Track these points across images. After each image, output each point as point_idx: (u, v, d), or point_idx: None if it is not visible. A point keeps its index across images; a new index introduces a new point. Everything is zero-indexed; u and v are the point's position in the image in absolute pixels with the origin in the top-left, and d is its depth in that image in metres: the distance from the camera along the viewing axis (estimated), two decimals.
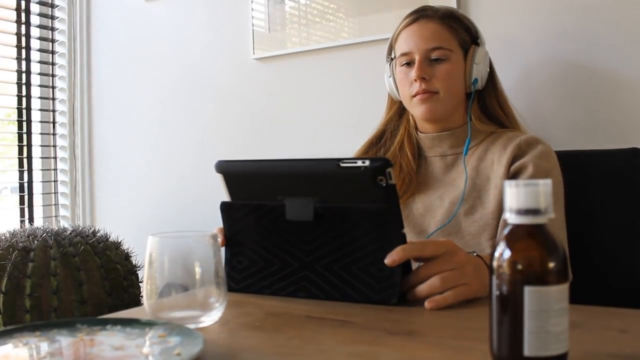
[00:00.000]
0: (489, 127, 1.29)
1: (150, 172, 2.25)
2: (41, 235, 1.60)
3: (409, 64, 1.27)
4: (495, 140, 1.26)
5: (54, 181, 2.42)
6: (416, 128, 1.34)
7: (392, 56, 1.34)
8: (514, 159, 1.19)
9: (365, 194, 0.81)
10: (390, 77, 1.34)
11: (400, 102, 1.35)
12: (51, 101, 2.40)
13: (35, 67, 2.35)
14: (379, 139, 1.38)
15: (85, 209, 2.41)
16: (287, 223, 0.87)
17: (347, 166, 0.80)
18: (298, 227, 0.87)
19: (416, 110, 1.28)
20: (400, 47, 1.29)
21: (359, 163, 0.79)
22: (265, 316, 0.80)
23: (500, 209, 1.17)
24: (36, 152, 2.36)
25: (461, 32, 1.28)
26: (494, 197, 1.18)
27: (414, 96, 1.26)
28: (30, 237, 1.59)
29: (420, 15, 1.28)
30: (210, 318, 0.74)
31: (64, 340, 0.67)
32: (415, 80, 1.24)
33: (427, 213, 1.24)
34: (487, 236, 1.17)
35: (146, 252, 0.74)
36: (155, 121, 2.23)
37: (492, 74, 1.32)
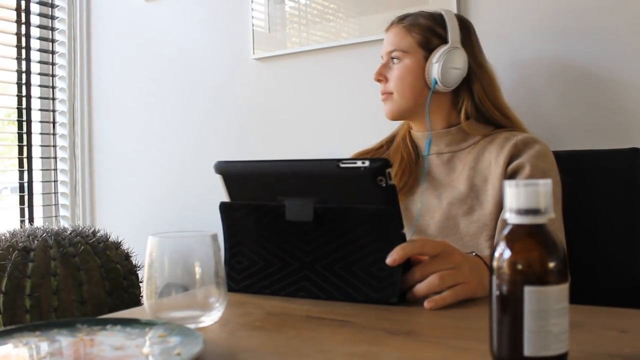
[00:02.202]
0: (484, 128, 1.28)
1: (150, 172, 2.25)
2: (41, 235, 1.60)
3: None
4: (492, 141, 1.25)
5: (54, 181, 2.42)
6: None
7: None
8: (511, 158, 1.19)
9: (365, 194, 0.81)
10: None
11: None
12: (51, 101, 2.41)
13: (35, 67, 2.35)
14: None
15: (85, 209, 2.41)
16: (287, 223, 0.87)
17: (347, 167, 0.80)
18: (298, 228, 0.87)
19: None
20: None
21: (359, 163, 0.79)
22: (265, 316, 0.80)
23: (498, 209, 1.17)
24: (36, 152, 2.36)
25: (424, 33, 1.27)
26: (492, 198, 1.18)
27: None
28: (30, 237, 1.59)
29: (392, 22, 1.34)
30: (210, 318, 0.74)
31: (64, 340, 0.67)
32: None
33: (426, 213, 1.25)
34: (485, 237, 1.17)
35: (146, 252, 0.74)
36: (155, 121, 2.24)
37: (481, 73, 1.29)
